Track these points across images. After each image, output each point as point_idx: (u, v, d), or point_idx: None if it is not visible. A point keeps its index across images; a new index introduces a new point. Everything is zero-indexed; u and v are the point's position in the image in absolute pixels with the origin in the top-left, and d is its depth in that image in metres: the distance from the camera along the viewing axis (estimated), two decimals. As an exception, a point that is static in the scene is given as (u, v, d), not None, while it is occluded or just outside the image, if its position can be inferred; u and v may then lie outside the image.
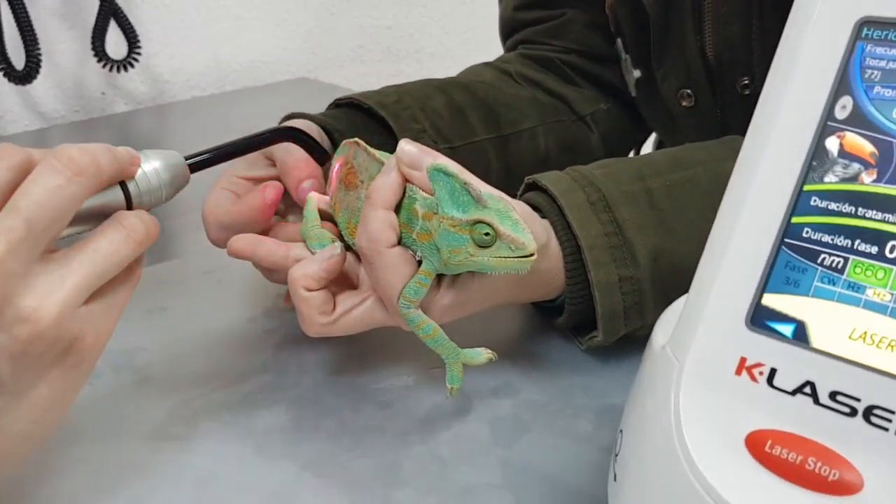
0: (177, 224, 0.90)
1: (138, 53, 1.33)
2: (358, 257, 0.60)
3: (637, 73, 0.86)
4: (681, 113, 0.84)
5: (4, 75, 1.23)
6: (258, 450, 0.54)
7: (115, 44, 1.33)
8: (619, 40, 0.87)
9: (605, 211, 0.59)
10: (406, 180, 0.54)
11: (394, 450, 0.54)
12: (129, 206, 0.49)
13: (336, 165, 0.62)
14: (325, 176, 0.66)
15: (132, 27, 1.32)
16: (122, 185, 0.48)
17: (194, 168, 0.54)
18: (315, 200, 0.62)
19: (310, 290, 0.55)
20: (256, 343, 0.66)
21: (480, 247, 0.50)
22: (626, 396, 0.55)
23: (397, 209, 0.55)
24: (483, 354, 0.55)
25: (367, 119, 0.76)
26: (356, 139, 0.61)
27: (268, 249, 0.58)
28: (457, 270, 0.54)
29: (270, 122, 0.71)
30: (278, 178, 0.66)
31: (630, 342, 0.60)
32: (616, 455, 0.43)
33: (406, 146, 0.54)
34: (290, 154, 0.65)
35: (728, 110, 0.81)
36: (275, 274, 0.64)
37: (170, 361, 0.64)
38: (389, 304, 0.55)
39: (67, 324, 0.42)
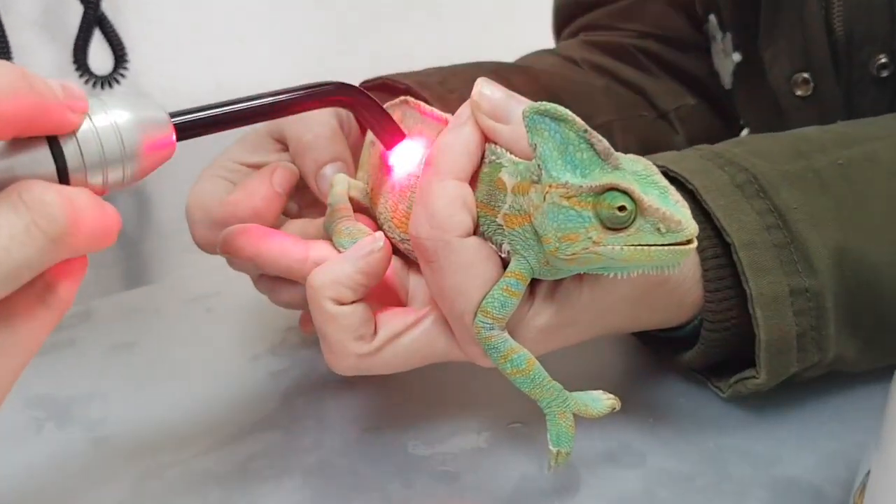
0: (154, 245, 0.72)
1: (126, 68, 1.17)
2: (406, 260, 0.42)
3: (737, 57, 0.70)
4: (793, 104, 0.67)
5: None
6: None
7: (101, 58, 1.17)
8: (711, 17, 0.71)
9: (760, 196, 0.42)
10: (486, 138, 0.37)
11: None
12: (65, 181, 0.30)
13: (373, 138, 0.45)
14: (357, 160, 0.49)
15: (120, 40, 1.17)
16: (52, 143, 0.30)
17: (185, 131, 0.34)
18: (344, 183, 0.44)
19: (342, 304, 0.37)
20: (259, 389, 0.49)
21: (610, 229, 0.33)
22: (805, 464, 0.39)
23: (473, 182, 0.37)
24: (604, 401, 0.37)
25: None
26: (406, 97, 0.43)
27: (279, 246, 0.40)
28: (564, 272, 0.36)
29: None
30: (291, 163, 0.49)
31: (794, 387, 0.42)
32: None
33: (486, 88, 0.37)
34: (308, 128, 0.48)
35: (856, 98, 0.65)
36: (285, 291, 0.46)
37: (138, 414, 0.47)
38: (459, 323, 0.37)
39: None
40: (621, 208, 0.32)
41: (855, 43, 0.62)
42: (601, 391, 0.37)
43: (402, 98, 0.43)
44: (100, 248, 0.29)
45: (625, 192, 0.32)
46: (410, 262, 0.42)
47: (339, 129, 0.49)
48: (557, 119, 0.33)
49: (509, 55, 0.74)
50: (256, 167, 0.50)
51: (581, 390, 0.37)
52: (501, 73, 0.66)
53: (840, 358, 0.42)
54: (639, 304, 0.41)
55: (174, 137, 0.33)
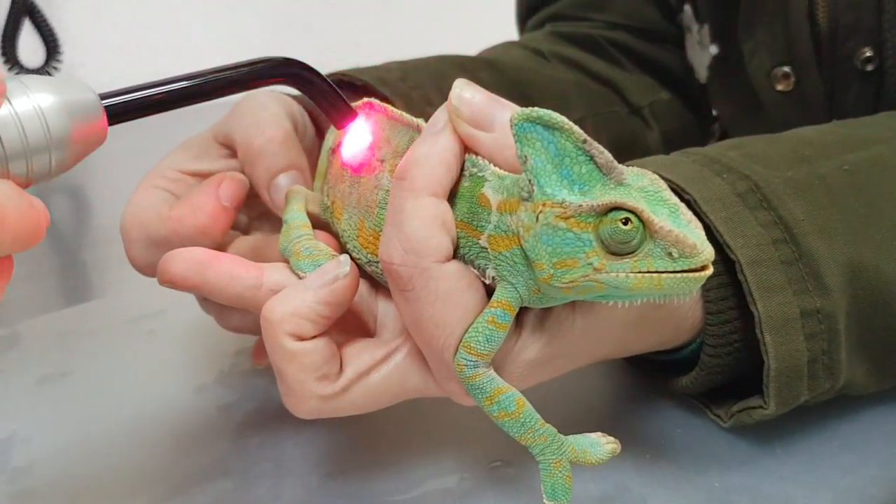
0: (92, 256, 0.66)
1: (59, 61, 1.11)
2: (373, 282, 0.37)
3: (714, 50, 0.66)
4: (773, 100, 0.64)
5: None
6: None
7: (32, 50, 1.10)
8: (687, 7, 0.67)
9: (764, 207, 0.38)
10: (466, 148, 0.32)
11: None
12: None
13: (333, 143, 0.40)
14: (313, 167, 0.44)
15: (52, 30, 1.10)
16: None
17: (118, 115, 0.31)
18: (301, 196, 0.39)
19: (302, 340, 0.32)
20: (208, 428, 0.44)
21: (614, 254, 0.28)
22: (825, 501, 0.35)
23: (451, 198, 0.32)
24: (604, 446, 0.32)
25: None
26: (370, 99, 0.38)
27: (227, 272, 0.35)
28: (557, 301, 0.32)
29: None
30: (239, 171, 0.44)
31: (796, 411, 0.38)
32: None
33: (466, 91, 0.32)
34: (258, 131, 0.43)
35: (838, 93, 0.62)
36: (235, 316, 0.41)
37: (68, 461, 0.41)
38: (437, 358, 0.32)
39: None
40: (628, 229, 0.28)
41: (839, 35, 0.59)
42: (599, 434, 0.33)
43: (366, 100, 0.38)
44: (25, 247, 0.27)
45: (633, 213, 0.28)
46: (378, 285, 0.38)
47: (294, 131, 0.44)
48: (551, 127, 0.29)
49: (463, 45, 0.69)
50: (201, 176, 0.45)
51: (565, 422, 0.33)
52: (466, 67, 0.62)
53: (849, 382, 0.39)
54: (634, 329, 0.36)
55: (106, 122, 0.30)
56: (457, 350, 0.32)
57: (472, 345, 0.31)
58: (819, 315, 0.37)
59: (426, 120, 0.35)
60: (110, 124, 0.31)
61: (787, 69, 0.62)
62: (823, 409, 0.40)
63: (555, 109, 0.37)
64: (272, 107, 0.45)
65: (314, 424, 0.41)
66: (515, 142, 0.30)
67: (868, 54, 0.58)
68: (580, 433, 0.33)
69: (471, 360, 0.31)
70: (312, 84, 0.37)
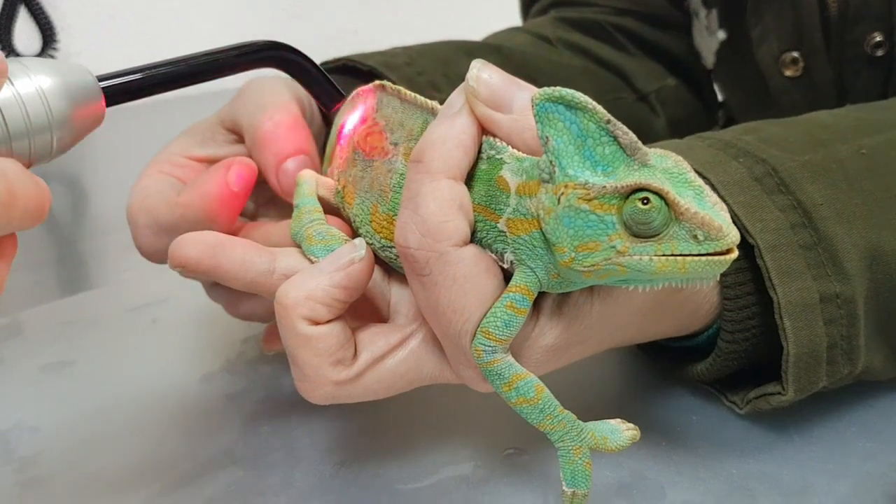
0: (92, 245, 0.65)
1: (55, 49, 1.10)
2: (386, 266, 0.37)
3: (721, 35, 0.65)
4: (781, 86, 0.63)
5: None
6: None
7: (28, 37, 1.09)
8: (695, -8, 0.66)
9: (782, 191, 0.37)
10: (483, 130, 0.32)
11: None
12: None
13: (344, 125, 0.39)
14: (323, 150, 0.43)
15: (48, 18, 1.09)
16: None
17: (115, 96, 0.33)
18: (312, 180, 0.38)
19: (317, 325, 0.32)
20: (216, 416, 0.43)
21: (637, 236, 0.28)
22: (840, 491, 0.35)
23: (468, 181, 0.32)
24: (624, 432, 0.32)
25: None
26: (381, 81, 0.38)
27: (240, 256, 0.34)
28: (577, 285, 0.31)
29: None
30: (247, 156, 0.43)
31: (813, 396, 0.38)
32: None
33: (484, 71, 0.32)
34: (266, 115, 0.42)
35: (847, 79, 0.61)
36: (244, 302, 0.41)
37: (75, 449, 0.41)
38: (454, 344, 0.32)
39: None
40: (651, 211, 0.27)
41: (849, 20, 0.58)
42: (619, 420, 0.32)
43: (378, 82, 0.38)
44: (31, 224, 0.28)
45: (658, 194, 0.27)
46: (391, 270, 0.37)
47: (301, 116, 0.43)
48: (574, 107, 0.28)
49: (465, 33, 0.68)
50: (208, 161, 0.44)
51: (579, 410, 0.32)
52: (472, 52, 0.61)
53: (867, 368, 0.38)
54: (651, 314, 0.36)
55: (104, 102, 0.32)
56: (474, 335, 0.31)
57: (490, 330, 0.31)
58: (838, 300, 0.36)
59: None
60: (108, 105, 0.32)
61: (795, 54, 0.61)
62: (839, 395, 0.40)
63: None
64: (279, 91, 0.44)
65: (325, 412, 0.41)
66: (536, 122, 0.29)
67: (878, 39, 0.58)
68: (597, 420, 0.33)
69: (489, 346, 0.31)
70: (300, 66, 0.39)
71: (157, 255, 0.41)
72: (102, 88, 0.32)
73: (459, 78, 0.57)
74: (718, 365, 0.39)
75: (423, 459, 0.38)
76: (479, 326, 0.31)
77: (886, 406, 0.40)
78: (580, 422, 0.32)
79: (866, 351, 0.37)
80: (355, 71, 0.54)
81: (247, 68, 0.38)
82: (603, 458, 0.36)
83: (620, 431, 0.32)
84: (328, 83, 0.39)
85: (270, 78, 0.45)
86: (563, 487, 0.32)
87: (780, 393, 0.37)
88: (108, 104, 0.32)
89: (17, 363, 0.49)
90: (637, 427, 0.32)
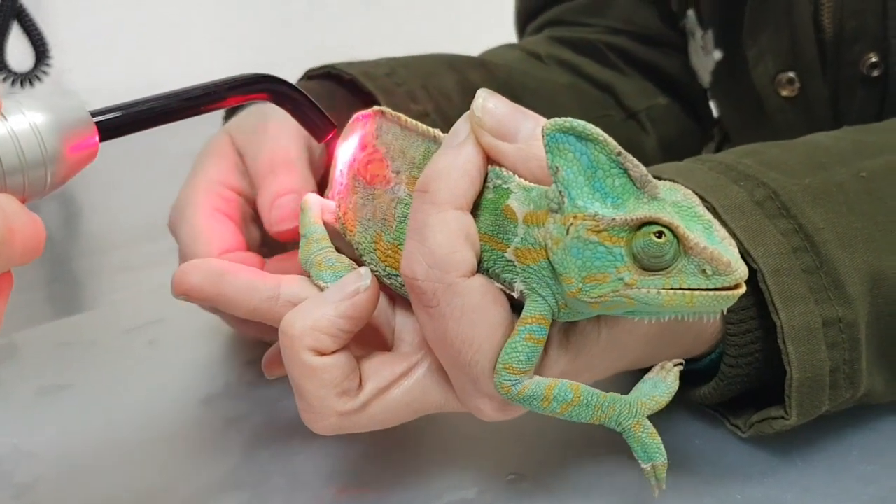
0: (85, 264, 0.65)
1: (48, 65, 1.09)
2: (391, 295, 0.36)
3: (717, 55, 0.66)
4: (777, 106, 0.64)
5: None
6: None
7: (20, 53, 1.08)
8: (690, 13, 0.67)
9: (783, 215, 0.37)
10: (488, 159, 0.32)
11: None
12: None
13: (342, 149, 0.39)
14: (324, 182, 0.43)
15: (41, 34, 1.09)
16: None
17: (108, 130, 0.32)
18: (317, 206, 0.38)
19: (322, 356, 0.32)
20: (217, 441, 0.43)
21: (646, 269, 0.28)
22: None
23: (474, 210, 0.32)
24: (666, 379, 0.33)
25: (351, 97, 0.55)
26: (381, 107, 0.38)
27: (245, 283, 0.34)
28: (584, 315, 0.31)
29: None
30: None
31: (819, 421, 0.38)
32: None
33: (490, 101, 0.32)
34: (264, 146, 0.42)
35: (843, 100, 0.62)
36: (251, 324, 0.40)
37: (74, 475, 0.41)
38: (462, 374, 0.32)
39: None
40: (661, 244, 0.28)
41: (845, 41, 0.59)
42: (654, 370, 0.33)
43: (377, 108, 0.38)
44: (27, 261, 0.28)
45: (668, 227, 0.27)
46: (396, 296, 0.37)
47: (304, 151, 0.44)
48: (585, 139, 0.29)
49: (459, 49, 0.69)
50: (245, 196, 0.45)
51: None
52: (456, 66, 0.62)
53: (869, 391, 0.38)
54: (656, 340, 0.36)
55: (97, 138, 0.32)
56: (484, 366, 0.31)
57: (513, 365, 0.31)
58: (841, 324, 0.36)
59: (411, 116, 0.35)
60: (101, 140, 0.32)
61: (791, 75, 0.62)
62: (841, 419, 0.40)
63: (545, 112, 0.38)
64: (283, 125, 0.44)
65: (327, 437, 0.41)
66: (546, 152, 0.29)
67: (873, 60, 0.58)
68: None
69: (514, 379, 0.31)
70: (291, 99, 0.39)
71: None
72: (96, 123, 0.32)
73: (439, 91, 0.58)
74: (721, 389, 0.39)
75: (426, 485, 0.38)
76: (497, 363, 0.31)
77: (888, 429, 0.40)
78: (625, 397, 0.32)
79: (868, 374, 0.37)
80: (339, 79, 0.55)
81: (239, 101, 0.38)
82: (604, 481, 0.37)
83: (663, 381, 0.32)
84: (320, 115, 0.39)
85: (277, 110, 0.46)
86: (642, 465, 0.32)
87: (783, 417, 0.37)
88: (102, 139, 0.32)
89: (13, 386, 0.49)
90: (675, 360, 0.33)
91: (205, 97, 0.36)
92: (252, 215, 0.46)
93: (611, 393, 0.32)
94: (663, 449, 0.32)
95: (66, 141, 0.30)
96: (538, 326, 0.30)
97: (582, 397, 0.31)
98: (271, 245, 0.45)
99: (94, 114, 0.32)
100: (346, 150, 0.39)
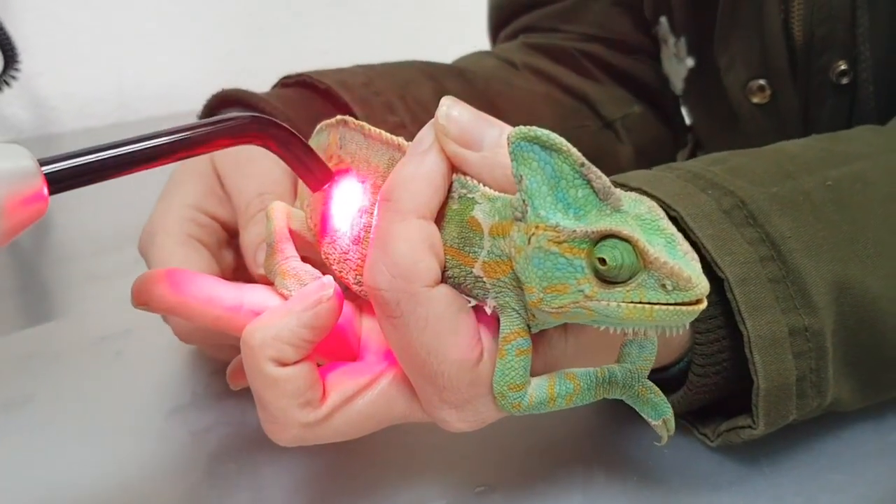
0: (53, 274, 0.64)
1: (17, 70, 1.08)
2: (359, 302, 0.36)
3: (690, 63, 0.66)
4: (749, 112, 0.64)
5: None
6: None
7: (-12, 58, 1.07)
8: (663, 20, 0.67)
9: (750, 224, 0.37)
10: (453, 168, 0.31)
11: None
12: None
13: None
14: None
15: (9, 38, 1.07)
16: None
17: (60, 182, 0.28)
18: (283, 215, 0.38)
19: (284, 366, 0.31)
20: (181, 454, 0.42)
21: (606, 282, 0.28)
22: None
23: (438, 222, 0.31)
24: (643, 340, 0.33)
25: (328, 105, 0.54)
26: (343, 116, 0.37)
27: (206, 293, 0.34)
28: (549, 323, 0.31)
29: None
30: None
31: (787, 429, 0.38)
32: None
33: (454, 109, 0.31)
34: (251, 180, 0.42)
35: (813, 107, 0.62)
36: (214, 337, 0.39)
37: (36, 491, 0.40)
38: (428, 384, 0.32)
39: None
40: (620, 257, 0.27)
41: (815, 49, 0.59)
42: (629, 333, 0.31)
43: (340, 118, 0.37)
44: None
45: (628, 241, 0.27)
46: (363, 304, 0.37)
47: (289, 186, 0.43)
48: (549, 148, 0.28)
49: (434, 56, 0.68)
50: (222, 223, 0.44)
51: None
52: (434, 75, 0.61)
53: (836, 399, 0.38)
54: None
55: (46, 191, 0.27)
56: (450, 376, 0.31)
57: (515, 382, 0.31)
58: (807, 333, 0.36)
59: (390, 131, 0.35)
60: (52, 193, 0.27)
61: (762, 82, 0.62)
62: (809, 427, 0.40)
63: (523, 121, 0.37)
64: (272, 157, 0.44)
65: (293, 450, 0.40)
66: (511, 160, 0.29)
67: (843, 68, 0.58)
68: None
69: (519, 395, 0.31)
70: (284, 144, 0.33)
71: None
72: (45, 174, 0.27)
73: (416, 101, 0.58)
74: (689, 398, 0.39)
75: (394, 498, 0.37)
76: (494, 388, 0.31)
77: (854, 437, 0.40)
78: (620, 367, 0.32)
79: (834, 383, 0.37)
80: (313, 88, 0.54)
81: (224, 146, 0.32)
82: (575, 495, 0.36)
83: (643, 338, 0.32)
84: (316, 163, 0.35)
85: None
86: (652, 423, 0.33)
87: (750, 426, 0.37)
88: (52, 191, 0.27)
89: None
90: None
91: (181, 142, 0.30)
92: (227, 240, 0.45)
93: (604, 367, 0.32)
94: (668, 403, 0.33)
95: (7, 194, 0.26)
96: (522, 339, 0.30)
97: (581, 383, 0.32)
98: (244, 270, 0.44)
99: (43, 162, 0.27)
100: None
